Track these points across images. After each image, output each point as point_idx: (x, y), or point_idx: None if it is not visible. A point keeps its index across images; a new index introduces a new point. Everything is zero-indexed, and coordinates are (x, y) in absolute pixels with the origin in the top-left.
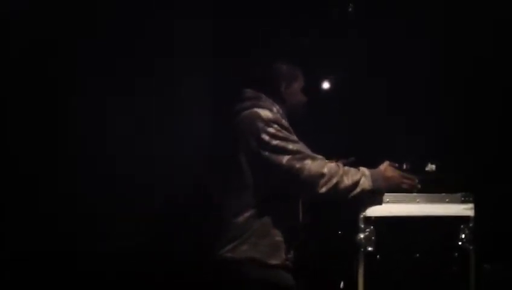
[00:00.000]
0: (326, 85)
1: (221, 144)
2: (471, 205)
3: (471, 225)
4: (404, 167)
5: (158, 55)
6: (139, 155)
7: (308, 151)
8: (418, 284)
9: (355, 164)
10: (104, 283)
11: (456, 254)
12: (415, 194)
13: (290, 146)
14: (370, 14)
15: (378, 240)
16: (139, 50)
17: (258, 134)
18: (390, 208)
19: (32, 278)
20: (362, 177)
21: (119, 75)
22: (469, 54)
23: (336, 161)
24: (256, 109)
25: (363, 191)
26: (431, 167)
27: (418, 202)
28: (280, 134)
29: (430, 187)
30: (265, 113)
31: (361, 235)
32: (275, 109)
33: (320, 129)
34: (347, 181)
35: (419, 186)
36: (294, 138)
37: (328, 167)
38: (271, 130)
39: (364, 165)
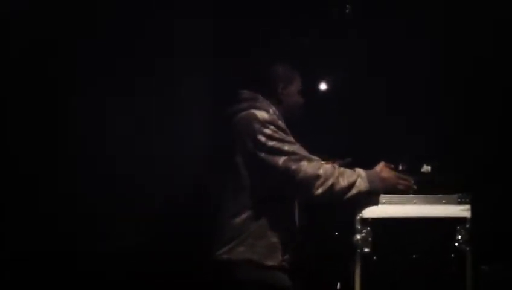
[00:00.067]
0: (326, 85)
1: (219, 145)
2: (467, 206)
3: (467, 226)
4: (400, 167)
5: (158, 55)
6: (139, 155)
7: (304, 152)
8: (414, 285)
9: (352, 165)
10: (104, 283)
11: (453, 255)
12: (411, 195)
13: (286, 147)
14: (370, 14)
15: (375, 241)
16: (139, 50)
17: (254, 135)
18: (386, 209)
19: (32, 278)
20: (358, 178)
21: (119, 75)
22: (469, 54)
23: (332, 162)
24: (252, 110)
25: (359, 192)
26: (427, 168)
27: (414, 203)
28: (276, 135)
29: (426, 188)
30: (261, 114)
31: (358, 237)
32: (271, 110)
33: (320, 129)
34: (343, 183)
35: (415, 187)
36: (291, 139)
37: (323, 168)
38: (267, 131)
39: (362, 166)
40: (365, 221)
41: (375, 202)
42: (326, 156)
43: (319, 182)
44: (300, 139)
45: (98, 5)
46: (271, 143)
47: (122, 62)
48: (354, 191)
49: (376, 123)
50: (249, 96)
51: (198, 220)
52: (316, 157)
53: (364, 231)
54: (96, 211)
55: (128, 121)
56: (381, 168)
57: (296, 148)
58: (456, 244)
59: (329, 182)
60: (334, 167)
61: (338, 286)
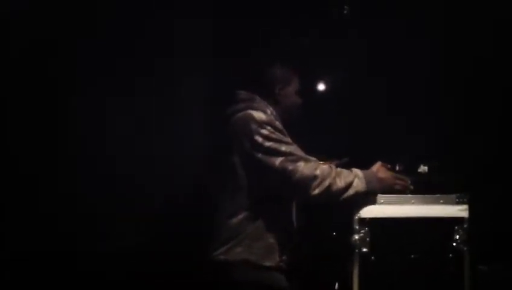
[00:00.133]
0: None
1: (218, 145)
2: (465, 206)
3: (465, 226)
4: (397, 168)
5: (158, 55)
6: (139, 155)
7: (301, 153)
8: (412, 285)
9: (350, 165)
10: (104, 283)
11: (451, 255)
12: (409, 195)
13: (283, 148)
14: (370, 14)
15: (373, 242)
16: (139, 50)
17: (251, 136)
18: (384, 209)
19: (32, 278)
20: (355, 178)
21: (119, 75)
22: (469, 54)
23: (329, 162)
24: (250, 111)
25: (356, 192)
26: (423, 168)
27: (412, 203)
28: (273, 136)
29: (423, 188)
30: (258, 115)
31: (356, 237)
32: (268, 111)
33: (320, 129)
34: (340, 183)
35: (411, 187)
36: (288, 140)
37: (320, 169)
38: (264, 132)
39: (360, 166)
40: (363, 221)
41: (372, 202)
42: (325, 157)
43: (315, 183)
44: (299, 139)
45: (98, 5)
46: (268, 144)
47: (122, 62)
48: (351, 191)
49: (376, 123)
50: (246, 97)
51: (198, 220)
52: (313, 158)
53: (362, 231)
54: (96, 211)
55: (128, 121)
56: (378, 168)
57: (293, 149)
58: (454, 244)
59: (326, 183)
60: (331, 167)
61: (336, 286)
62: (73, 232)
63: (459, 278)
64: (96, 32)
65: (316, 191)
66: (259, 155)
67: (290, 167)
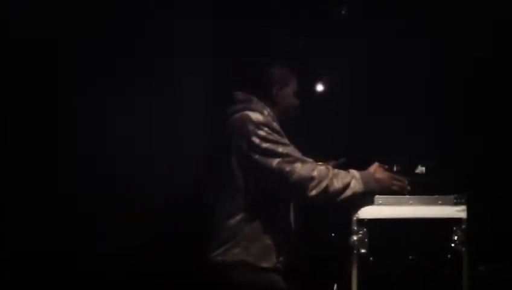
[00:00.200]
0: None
1: (217, 145)
2: (463, 207)
3: (463, 226)
4: (395, 168)
5: (158, 55)
6: (139, 155)
7: (298, 154)
8: (411, 286)
9: (348, 165)
10: (104, 283)
11: (449, 255)
12: (407, 196)
13: (280, 149)
14: (370, 14)
15: (372, 242)
16: (139, 50)
17: (248, 137)
18: (383, 210)
19: (32, 278)
20: (353, 179)
21: (119, 75)
22: (469, 54)
23: (327, 163)
24: (247, 112)
25: (354, 193)
26: (421, 169)
27: (410, 204)
28: (270, 137)
29: (420, 189)
30: (256, 116)
31: (355, 238)
32: (265, 112)
33: (319, 130)
34: (337, 184)
35: (409, 187)
36: (285, 141)
37: (317, 170)
38: (261, 133)
39: (358, 166)
40: (361, 222)
41: (369, 203)
42: (323, 157)
43: (313, 184)
44: (296, 140)
45: (98, 5)
46: (265, 145)
47: (122, 62)
48: (348, 192)
49: (375, 123)
50: (244, 98)
51: (198, 220)
52: (310, 159)
53: (360, 232)
54: (96, 211)
55: (128, 121)
56: (375, 169)
57: (290, 150)
58: (452, 245)
59: (324, 184)
60: (328, 168)
61: (334, 287)
62: (73, 232)
63: (458, 279)
64: (96, 32)
65: (313, 192)
66: (257, 156)
67: (287, 168)
